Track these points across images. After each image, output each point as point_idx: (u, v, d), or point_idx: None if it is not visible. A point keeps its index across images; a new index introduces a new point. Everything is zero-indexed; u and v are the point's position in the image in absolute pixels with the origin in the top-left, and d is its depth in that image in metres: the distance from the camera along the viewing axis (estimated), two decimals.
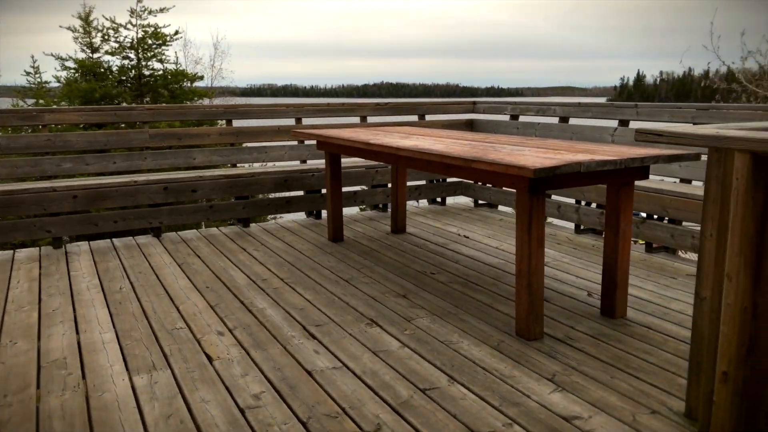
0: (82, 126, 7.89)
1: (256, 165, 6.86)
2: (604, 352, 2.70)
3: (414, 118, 6.26)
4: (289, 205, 5.36)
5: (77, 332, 2.99)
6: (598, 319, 3.09)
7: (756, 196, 1.54)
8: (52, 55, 10.11)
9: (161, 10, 10.65)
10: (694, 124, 4.30)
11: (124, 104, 9.93)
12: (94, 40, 10.47)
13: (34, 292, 3.62)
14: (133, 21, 10.34)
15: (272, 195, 5.44)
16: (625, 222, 3.00)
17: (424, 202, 6.24)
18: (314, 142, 5.68)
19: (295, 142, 5.71)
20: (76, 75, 10.03)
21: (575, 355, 2.67)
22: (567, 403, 2.26)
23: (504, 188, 5.64)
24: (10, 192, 4.37)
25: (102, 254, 4.43)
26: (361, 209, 6.63)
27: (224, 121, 5.63)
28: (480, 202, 6.07)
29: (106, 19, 10.23)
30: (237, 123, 5.57)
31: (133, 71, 10.46)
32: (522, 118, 5.84)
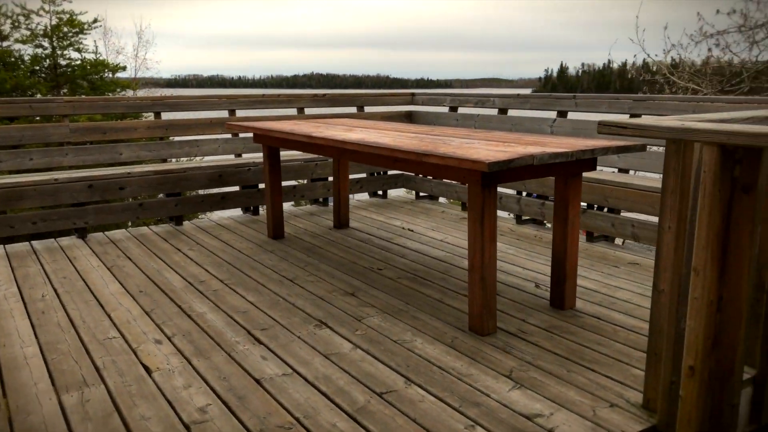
0: None
1: (188, 160, 6.54)
2: (558, 345, 2.69)
3: (352, 109, 6.13)
4: (224, 202, 5.13)
5: None
6: (548, 311, 3.09)
7: (722, 188, 1.52)
8: None
9: None
10: (631, 115, 4.38)
11: (39, 96, 9.30)
12: (2, 28, 9.74)
13: None
14: (46, 7, 9.69)
15: (206, 191, 5.19)
16: (574, 213, 2.99)
17: (364, 195, 6.13)
18: (250, 134, 5.47)
19: (229, 135, 5.47)
20: None
21: (530, 350, 2.64)
22: (527, 401, 2.22)
23: (445, 180, 5.61)
24: None
25: (20, 259, 4.09)
26: (296, 204, 6.45)
27: (151, 114, 5.31)
28: (421, 194, 6.02)
29: (16, 5, 9.53)
30: (166, 116, 5.28)
31: (47, 61, 9.81)
32: (461, 110, 5.82)
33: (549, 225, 5.30)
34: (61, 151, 4.80)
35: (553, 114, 4.93)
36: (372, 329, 2.87)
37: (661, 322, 2.06)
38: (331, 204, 5.77)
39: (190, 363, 2.54)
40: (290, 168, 5.24)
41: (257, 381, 2.38)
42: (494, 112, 5.45)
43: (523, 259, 4.01)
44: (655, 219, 3.95)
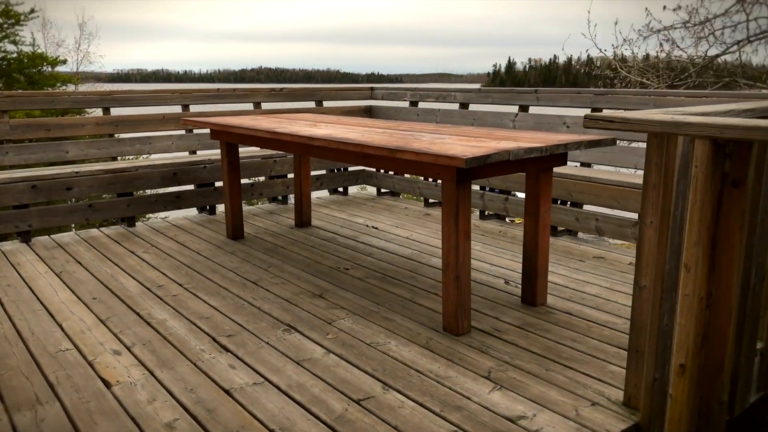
0: None
1: (142, 158, 6.27)
2: (534, 343, 2.65)
3: (311, 104, 5.99)
4: (179, 201, 4.93)
5: None
6: (520, 308, 3.05)
7: (713, 183, 1.49)
8: None
9: None
10: (593, 109, 4.41)
11: None
12: None
13: None
14: None
15: (160, 190, 4.98)
16: (545, 208, 2.97)
17: (324, 193, 6.01)
18: (205, 130, 5.27)
19: (182, 131, 5.26)
20: None
21: (507, 349, 2.60)
22: (509, 402, 2.17)
23: (407, 176, 5.55)
24: None
25: None
26: (251, 203, 6.27)
27: (98, 110, 5.05)
28: (383, 190, 5.94)
29: None
30: (115, 111, 5.03)
31: None
32: (421, 105, 5.76)
33: (512, 220, 5.30)
34: (0, 150, 4.50)
35: (514, 108, 4.92)
36: (344, 332, 2.77)
37: (643, 318, 2.04)
38: (290, 202, 5.63)
39: (153, 374, 2.39)
40: (248, 165, 5.08)
41: (227, 392, 2.25)
42: (455, 106, 5.41)
43: (490, 255, 3.98)
44: (618, 213, 3.99)
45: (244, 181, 4.98)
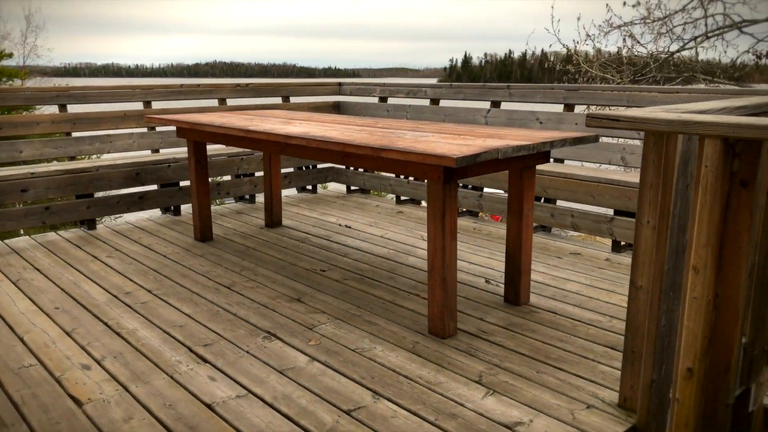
0: None
1: (103, 157, 6.01)
2: (521, 344, 2.61)
3: (277, 100, 5.84)
4: (142, 202, 4.73)
5: None
6: (503, 308, 3.01)
7: (723, 184, 1.45)
8: None
9: None
10: (566, 105, 4.40)
11: None
12: None
13: None
14: None
15: (122, 191, 4.76)
16: (528, 207, 2.92)
17: (292, 191, 5.87)
18: (169, 128, 5.07)
19: (144, 129, 5.05)
20: None
21: (495, 351, 2.54)
22: (504, 408, 2.11)
23: (378, 173, 5.46)
24: None
25: None
26: (214, 202, 6.07)
27: (55, 107, 4.79)
28: (353, 188, 5.84)
29: None
30: (73, 109, 4.79)
31: None
32: (391, 101, 5.67)
33: (486, 217, 5.28)
34: None
35: (486, 104, 4.89)
36: (326, 338, 2.68)
37: (639, 318, 2.01)
38: (258, 201, 5.48)
39: (127, 390, 2.25)
40: (213, 164, 4.91)
41: (209, 406, 2.13)
42: (426, 102, 5.34)
43: (467, 253, 3.93)
44: (594, 209, 3.99)
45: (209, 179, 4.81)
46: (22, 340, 2.68)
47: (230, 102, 5.52)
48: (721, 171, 1.43)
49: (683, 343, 1.58)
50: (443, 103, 5.27)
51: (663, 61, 8.46)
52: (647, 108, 1.85)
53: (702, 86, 8.31)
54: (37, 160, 4.61)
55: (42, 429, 2.01)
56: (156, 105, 5.14)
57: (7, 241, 4.27)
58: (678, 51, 8.71)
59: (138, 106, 5.04)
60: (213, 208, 5.22)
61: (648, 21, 9.05)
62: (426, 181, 2.51)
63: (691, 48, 8.42)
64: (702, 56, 8.59)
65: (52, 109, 4.76)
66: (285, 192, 5.67)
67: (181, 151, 5.05)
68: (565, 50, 10.20)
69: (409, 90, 5.48)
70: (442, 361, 2.46)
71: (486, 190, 4.71)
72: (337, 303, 3.07)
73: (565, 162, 4.57)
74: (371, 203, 5.40)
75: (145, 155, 4.96)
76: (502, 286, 3.29)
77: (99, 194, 4.56)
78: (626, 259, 3.78)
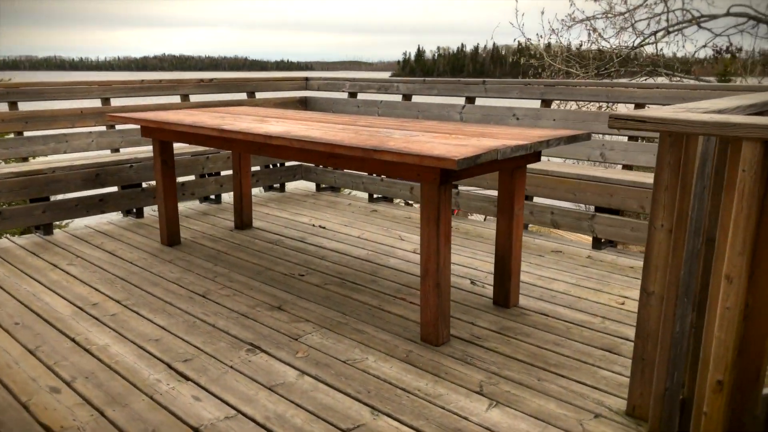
0: None
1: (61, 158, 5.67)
2: (517, 350, 2.53)
3: (242, 96, 5.63)
4: (103, 204, 4.47)
5: None
6: (493, 311, 2.93)
7: (760, 188, 1.38)
8: None
9: None
10: (543, 100, 4.35)
11: None
12: None
13: None
14: None
15: (80, 193, 4.48)
16: (519, 207, 2.85)
17: (259, 190, 5.68)
18: (129, 126, 4.81)
19: (103, 128, 4.77)
20: None
21: (492, 358, 2.45)
22: (510, 420, 2.02)
23: (348, 171, 5.32)
24: None
25: None
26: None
27: (5, 104, 4.48)
28: (322, 186, 5.68)
29: None
30: (24, 106, 4.48)
31: None
32: (361, 96, 5.53)
33: (460, 215, 5.21)
34: None
35: (461, 100, 4.81)
36: (314, 349, 2.54)
37: (651, 325, 1.94)
38: (224, 202, 5.27)
39: (103, 415, 2.06)
40: (177, 163, 4.67)
41: (196, 430, 1.98)
42: (398, 98, 5.22)
43: None
44: (572, 206, 3.95)
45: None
46: None
47: (193, 98, 5.28)
48: (760, 175, 1.36)
49: (713, 355, 1.52)
50: (416, 98, 5.16)
51: (626, 55, 8.56)
52: (667, 108, 1.78)
53: (682, 81, 8.46)
54: None
55: None
56: (115, 102, 4.86)
57: None
58: (637, 47, 8.83)
59: (96, 103, 4.76)
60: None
61: (610, 15, 9.15)
62: (420, 183, 2.40)
63: (652, 43, 8.55)
64: (662, 51, 8.73)
65: (2, 107, 4.44)
66: (252, 191, 5.47)
67: (144, 150, 4.81)
68: (516, 44, 10.26)
69: (380, 85, 5.35)
70: (438, 370, 2.36)
71: (461, 188, 4.63)
72: (321, 310, 2.93)
73: (542, 159, 4.52)
74: (343, 202, 5.26)
75: (104, 155, 4.69)
76: (488, 287, 3.21)
77: (57, 197, 4.28)
78: (608, 256, 3.75)
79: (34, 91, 4.47)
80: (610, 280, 3.33)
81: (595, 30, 8.77)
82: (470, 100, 4.73)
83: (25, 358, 2.47)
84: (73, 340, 2.63)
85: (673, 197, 1.77)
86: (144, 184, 4.67)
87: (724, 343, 1.49)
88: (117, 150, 4.84)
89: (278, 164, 5.50)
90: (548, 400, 2.15)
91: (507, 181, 2.80)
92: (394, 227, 4.42)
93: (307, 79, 5.96)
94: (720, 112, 1.65)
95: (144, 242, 4.07)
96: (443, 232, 2.43)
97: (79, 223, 4.76)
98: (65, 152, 4.60)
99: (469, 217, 6.39)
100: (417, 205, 5.12)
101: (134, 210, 4.74)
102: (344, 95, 5.63)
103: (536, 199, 4.18)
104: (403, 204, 5.65)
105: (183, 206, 5.01)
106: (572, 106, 7.26)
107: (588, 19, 9.13)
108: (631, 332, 2.67)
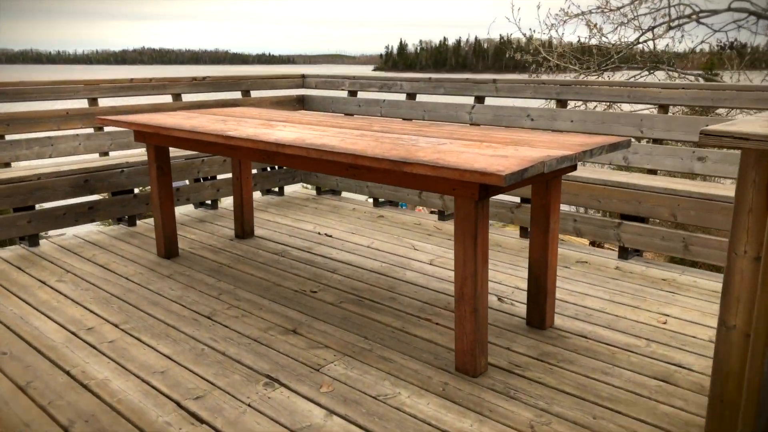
0: None
1: (46, 162, 5.34)
2: (563, 380, 2.31)
3: (236, 94, 5.34)
4: (93, 212, 4.17)
5: None
6: (528, 333, 2.71)
7: None
8: None
9: None
10: (558, 100, 4.14)
11: None
12: None
13: None
14: None
15: (67, 201, 4.18)
16: (555, 220, 2.62)
17: (257, 194, 5.40)
18: (119, 128, 4.51)
19: (91, 130, 4.47)
20: None
21: (537, 391, 2.23)
22: None
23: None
24: None
25: None
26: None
27: None
28: (323, 189, 5.42)
29: None
30: (5, 107, 4.17)
31: None
32: (362, 95, 5.27)
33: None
34: None
35: (470, 100, 4.57)
36: (339, 382, 2.30)
37: (731, 363, 1.73)
38: (220, 207, 5.00)
39: None
40: (172, 168, 4.38)
41: None
42: (402, 97, 4.97)
43: None
44: (587, 212, 3.73)
45: None
46: None
47: (186, 98, 4.98)
48: None
49: None
50: (421, 97, 4.91)
51: (626, 50, 8.39)
52: (760, 121, 1.56)
53: (686, 78, 8.31)
54: None
55: None
56: (104, 102, 4.56)
57: None
58: (635, 43, 8.66)
59: (83, 104, 4.46)
60: None
61: (605, 10, 8.97)
62: (454, 197, 2.16)
63: (651, 39, 8.38)
64: (660, 46, 8.57)
65: None
66: None
67: (135, 154, 4.52)
68: (498, 39, 10.05)
69: (382, 84, 5.09)
70: (482, 408, 2.13)
71: None
72: (340, 334, 2.69)
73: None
74: (346, 206, 5.00)
75: (93, 159, 4.39)
76: (517, 304, 2.99)
77: (43, 205, 3.98)
78: (636, 267, 3.55)
79: (16, 91, 4.15)
80: (646, 294, 3.12)
81: (595, 25, 8.58)
82: (479, 99, 4.50)
83: (16, 397, 2.20)
84: (68, 373, 2.36)
85: (761, 220, 1.56)
86: (136, 190, 4.39)
87: None
88: (106, 153, 4.54)
89: (276, 167, 5.23)
90: None
91: (542, 193, 2.57)
92: (405, 235, 4.18)
93: (304, 76, 5.68)
94: None
95: (139, 254, 3.79)
96: (481, 251, 2.19)
97: (67, 232, 4.46)
98: (50, 156, 4.29)
99: None
100: (425, 210, 4.89)
101: (126, 218, 4.45)
102: (344, 94, 5.36)
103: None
104: (410, 208, 5.42)
105: (177, 212, 4.72)
106: (581, 105, 7.05)
107: (583, 14, 8.94)
108: (681, 357, 2.46)
